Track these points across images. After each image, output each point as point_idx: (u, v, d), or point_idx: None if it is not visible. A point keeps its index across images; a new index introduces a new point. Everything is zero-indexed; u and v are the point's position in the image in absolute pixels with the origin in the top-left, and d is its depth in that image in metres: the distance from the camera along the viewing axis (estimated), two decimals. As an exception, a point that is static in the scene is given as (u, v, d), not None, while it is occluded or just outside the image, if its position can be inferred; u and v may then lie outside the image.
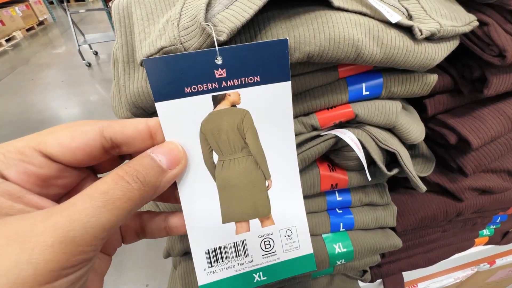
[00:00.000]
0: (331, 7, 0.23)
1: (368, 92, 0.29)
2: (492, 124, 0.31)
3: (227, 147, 0.18)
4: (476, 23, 0.26)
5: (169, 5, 0.24)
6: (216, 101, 0.16)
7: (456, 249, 0.50)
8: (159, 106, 0.15)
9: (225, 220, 0.19)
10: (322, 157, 0.34)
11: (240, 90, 0.16)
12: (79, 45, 2.47)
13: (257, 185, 0.19)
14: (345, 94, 0.28)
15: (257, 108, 0.16)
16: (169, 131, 0.16)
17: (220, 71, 0.15)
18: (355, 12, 0.24)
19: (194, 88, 0.15)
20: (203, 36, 0.18)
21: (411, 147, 0.37)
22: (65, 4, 2.37)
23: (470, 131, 0.31)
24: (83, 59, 2.57)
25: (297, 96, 0.29)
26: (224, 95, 0.16)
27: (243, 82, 0.15)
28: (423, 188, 0.30)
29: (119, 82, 0.26)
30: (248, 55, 0.15)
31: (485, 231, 0.52)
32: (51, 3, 4.41)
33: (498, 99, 0.32)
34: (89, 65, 2.63)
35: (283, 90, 0.16)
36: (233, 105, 0.16)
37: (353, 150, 0.29)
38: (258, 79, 0.15)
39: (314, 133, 0.30)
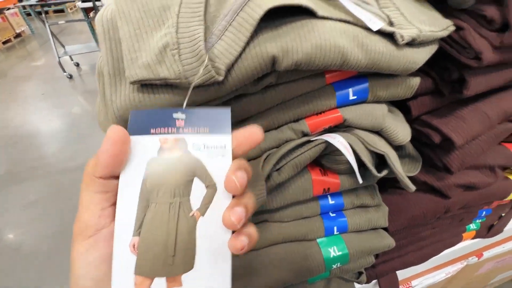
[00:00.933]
0: (316, 16, 0.24)
1: (355, 97, 0.29)
2: (473, 122, 0.32)
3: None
4: (453, 28, 0.27)
5: (157, 22, 0.24)
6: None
7: (446, 244, 0.52)
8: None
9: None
10: (313, 162, 0.35)
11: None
12: (59, 57, 2.40)
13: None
14: (333, 100, 0.29)
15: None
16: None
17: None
18: (339, 21, 0.24)
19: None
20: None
21: (398, 148, 0.38)
22: (43, 15, 2.31)
23: (453, 130, 0.33)
24: (64, 71, 2.50)
25: (286, 103, 0.29)
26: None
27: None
28: (413, 187, 0.31)
29: (106, 97, 0.25)
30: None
31: (472, 226, 0.54)
32: (29, 14, 4.27)
33: (477, 99, 0.34)
34: (71, 76, 2.56)
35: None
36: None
37: (343, 154, 0.30)
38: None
39: (305, 138, 0.30)
